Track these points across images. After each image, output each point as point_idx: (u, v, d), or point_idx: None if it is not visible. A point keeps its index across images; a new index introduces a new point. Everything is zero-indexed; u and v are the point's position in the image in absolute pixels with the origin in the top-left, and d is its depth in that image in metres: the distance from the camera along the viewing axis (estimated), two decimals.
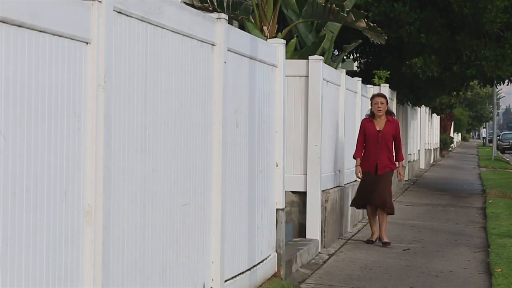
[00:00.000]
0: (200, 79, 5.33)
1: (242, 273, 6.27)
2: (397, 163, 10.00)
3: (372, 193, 9.78)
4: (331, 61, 12.18)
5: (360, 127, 10.03)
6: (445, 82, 16.46)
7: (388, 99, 10.19)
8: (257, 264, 6.66)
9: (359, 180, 10.13)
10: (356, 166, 9.98)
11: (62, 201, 3.61)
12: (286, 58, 7.64)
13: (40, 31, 3.41)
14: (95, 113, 3.83)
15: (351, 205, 10.57)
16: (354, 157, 10.00)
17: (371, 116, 9.95)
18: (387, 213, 9.85)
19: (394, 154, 9.95)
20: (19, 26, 3.25)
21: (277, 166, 7.27)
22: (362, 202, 10.06)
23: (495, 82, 16.87)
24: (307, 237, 8.99)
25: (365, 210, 10.83)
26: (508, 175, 23.44)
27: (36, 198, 3.41)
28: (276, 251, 7.24)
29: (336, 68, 11.68)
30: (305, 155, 9.08)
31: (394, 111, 17.13)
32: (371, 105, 9.99)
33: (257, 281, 6.65)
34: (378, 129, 9.82)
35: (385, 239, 9.84)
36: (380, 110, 9.84)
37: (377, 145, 9.76)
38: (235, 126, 6.04)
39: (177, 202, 4.95)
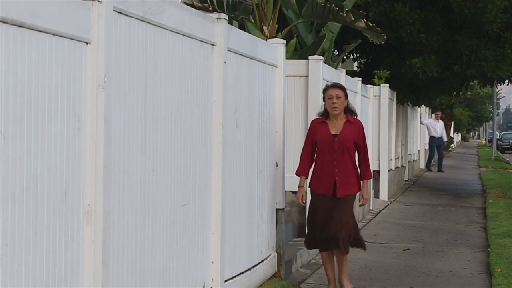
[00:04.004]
0: (200, 79, 5.33)
1: (242, 273, 6.27)
2: (361, 182, 6.82)
3: (326, 227, 6.62)
4: (331, 61, 12.18)
5: (308, 131, 6.98)
6: (445, 82, 16.44)
7: (347, 92, 6.91)
8: (257, 264, 6.66)
9: (303, 205, 7.22)
10: (299, 187, 6.92)
11: (62, 201, 3.61)
12: (286, 58, 7.64)
13: (40, 31, 3.41)
14: (95, 113, 3.83)
15: (305, 245, 7.09)
16: (298, 174, 6.94)
17: (324, 115, 6.84)
18: (347, 252, 6.67)
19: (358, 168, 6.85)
20: (19, 26, 3.26)
21: (277, 166, 7.27)
22: (315, 241, 6.79)
23: (495, 82, 16.87)
24: None
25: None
26: (508, 175, 23.42)
27: (36, 198, 3.41)
28: (276, 251, 7.24)
29: (336, 68, 11.68)
30: None
31: (394, 111, 17.07)
32: (324, 100, 6.82)
33: (257, 281, 6.65)
34: (333, 132, 6.71)
35: (347, 285, 6.81)
36: (335, 108, 6.66)
37: (333, 155, 6.65)
38: (235, 126, 6.04)
39: (177, 202, 4.95)
